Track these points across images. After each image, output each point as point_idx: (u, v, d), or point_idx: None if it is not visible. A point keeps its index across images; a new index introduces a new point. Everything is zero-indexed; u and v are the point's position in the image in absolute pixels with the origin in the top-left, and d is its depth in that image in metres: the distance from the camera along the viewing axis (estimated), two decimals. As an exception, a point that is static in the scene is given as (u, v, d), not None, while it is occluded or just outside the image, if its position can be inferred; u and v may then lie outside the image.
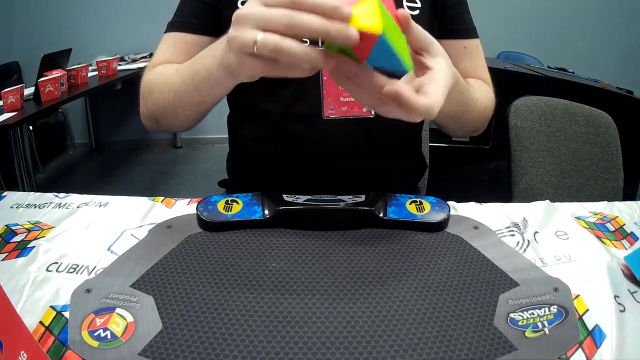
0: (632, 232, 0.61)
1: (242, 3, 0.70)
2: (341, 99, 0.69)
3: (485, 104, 0.72)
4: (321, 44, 0.42)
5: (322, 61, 0.40)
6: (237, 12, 0.42)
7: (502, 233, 0.60)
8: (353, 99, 0.69)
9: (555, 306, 0.45)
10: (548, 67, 2.63)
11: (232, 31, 0.43)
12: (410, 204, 0.61)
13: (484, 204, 0.67)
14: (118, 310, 0.44)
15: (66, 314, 0.43)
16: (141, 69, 3.19)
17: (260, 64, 0.42)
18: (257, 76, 0.46)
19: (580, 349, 0.41)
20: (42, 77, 2.19)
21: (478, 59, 0.79)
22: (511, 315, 0.44)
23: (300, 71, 0.42)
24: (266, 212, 0.59)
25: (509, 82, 2.14)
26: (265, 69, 0.43)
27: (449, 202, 0.65)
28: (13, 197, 0.66)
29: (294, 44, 0.39)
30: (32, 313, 0.43)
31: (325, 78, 0.69)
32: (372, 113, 0.70)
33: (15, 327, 0.35)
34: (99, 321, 0.42)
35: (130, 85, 3.01)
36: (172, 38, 0.74)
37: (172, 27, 0.75)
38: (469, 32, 0.78)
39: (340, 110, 0.69)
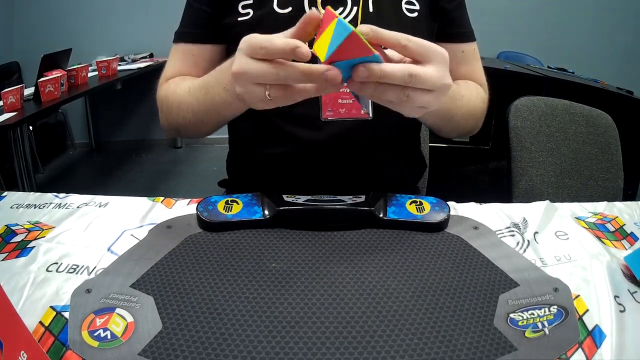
0: (632, 232, 0.61)
1: (243, 7, 0.70)
2: (339, 101, 0.69)
3: (473, 102, 0.72)
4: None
5: (326, 85, 0.45)
6: (233, 71, 0.47)
7: (502, 233, 0.60)
8: (351, 101, 0.69)
9: (555, 306, 0.45)
10: (548, 67, 2.63)
11: (238, 89, 0.48)
12: (410, 204, 0.61)
13: (484, 204, 0.67)
14: (118, 310, 0.44)
15: (66, 314, 0.43)
16: (141, 69, 3.17)
17: (274, 101, 0.48)
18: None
19: (580, 349, 0.41)
20: (42, 77, 2.18)
21: (475, 63, 0.79)
22: (511, 315, 0.44)
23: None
24: (266, 212, 0.59)
25: (509, 82, 2.14)
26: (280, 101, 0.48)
27: (449, 202, 0.65)
28: (13, 197, 0.66)
29: (300, 88, 0.46)
30: (32, 313, 0.43)
31: None
32: (370, 115, 0.70)
33: (15, 327, 0.35)
34: (99, 321, 0.42)
35: (130, 85, 3.02)
36: (180, 50, 0.76)
37: (179, 37, 0.77)
38: (467, 35, 0.77)
39: (338, 112, 0.69)
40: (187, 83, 0.69)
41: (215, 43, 0.74)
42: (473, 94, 0.73)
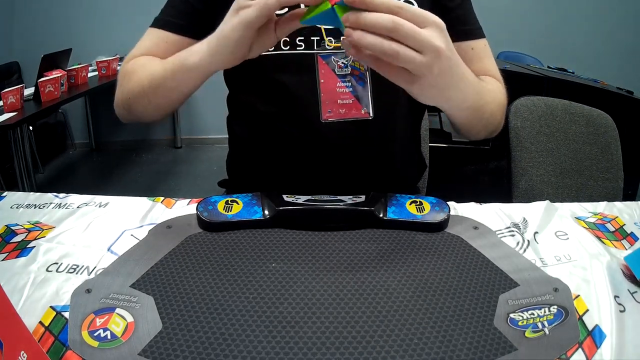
0: (632, 232, 0.61)
1: None
2: (339, 101, 0.69)
3: (499, 97, 0.71)
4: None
5: None
6: None
7: (502, 233, 0.60)
8: (351, 101, 0.69)
9: (555, 306, 0.45)
10: (548, 67, 2.63)
11: None
12: (410, 204, 0.61)
13: (484, 204, 0.67)
14: (118, 310, 0.44)
15: (66, 314, 0.43)
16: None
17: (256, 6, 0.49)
18: (246, 41, 0.52)
19: (580, 349, 0.41)
20: (42, 77, 2.19)
21: (487, 59, 0.77)
22: (511, 315, 0.44)
23: None
24: (266, 212, 0.59)
25: (509, 82, 2.13)
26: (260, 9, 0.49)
27: (449, 202, 0.65)
28: (13, 197, 0.66)
29: None
30: (32, 313, 0.43)
31: (322, 81, 0.69)
32: (371, 115, 0.70)
33: (15, 327, 0.35)
34: (99, 321, 0.42)
35: (130, 85, 3.01)
36: (155, 34, 0.74)
37: (157, 23, 0.75)
38: (474, 32, 0.76)
39: (338, 113, 0.69)
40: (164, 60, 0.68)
41: (195, 38, 0.72)
42: (497, 89, 0.72)
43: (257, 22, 0.51)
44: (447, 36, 0.47)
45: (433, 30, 0.45)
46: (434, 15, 0.46)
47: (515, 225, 0.62)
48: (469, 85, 0.55)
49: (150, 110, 0.70)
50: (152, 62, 0.68)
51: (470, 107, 0.60)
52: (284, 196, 0.61)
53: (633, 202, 0.69)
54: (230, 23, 0.52)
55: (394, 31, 0.44)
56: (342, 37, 0.47)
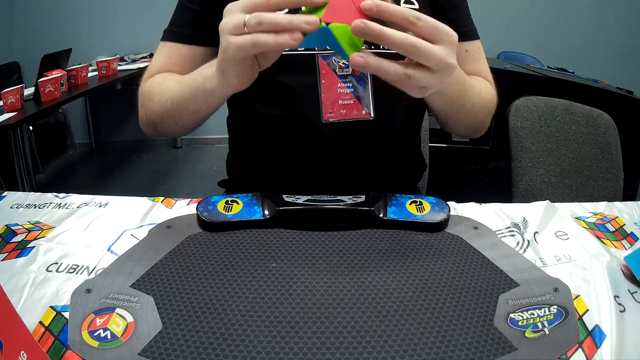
0: (632, 232, 0.61)
1: None
2: (340, 102, 0.69)
3: (485, 96, 0.71)
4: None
5: (303, 23, 0.43)
6: (227, 6, 0.48)
7: (502, 233, 0.60)
8: (352, 102, 0.69)
9: (555, 306, 0.45)
10: (548, 67, 2.63)
11: (223, 21, 0.48)
12: (410, 204, 0.61)
13: (484, 204, 0.67)
14: (118, 310, 0.44)
15: (66, 314, 0.43)
16: (141, 69, 3.21)
17: (248, 42, 0.45)
18: (246, 67, 0.50)
19: (580, 349, 0.41)
20: (42, 77, 2.19)
21: (480, 61, 0.78)
22: (511, 315, 0.44)
23: (288, 39, 0.44)
24: (266, 212, 0.59)
25: (509, 82, 2.14)
26: (252, 44, 0.46)
27: (449, 202, 0.65)
28: (13, 197, 0.66)
29: (275, 14, 0.44)
30: (32, 313, 0.43)
31: (323, 81, 0.69)
32: (372, 115, 0.70)
33: (15, 327, 0.35)
34: (99, 321, 0.42)
35: (130, 85, 3.02)
36: (167, 48, 0.75)
37: (167, 36, 0.75)
38: (469, 34, 0.76)
39: (339, 114, 0.69)
40: (178, 76, 0.68)
41: (205, 45, 0.73)
42: (483, 88, 0.72)
43: (245, 56, 0.49)
44: (456, 48, 0.47)
45: (446, 47, 0.45)
46: (448, 28, 0.45)
47: (515, 225, 0.62)
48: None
49: (177, 129, 0.71)
50: (169, 81, 0.68)
51: (450, 95, 0.61)
52: (284, 196, 0.61)
53: (633, 202, 0.69)
54: (222, 59, 0.50)
55: (412, 54, 0.43)
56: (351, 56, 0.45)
